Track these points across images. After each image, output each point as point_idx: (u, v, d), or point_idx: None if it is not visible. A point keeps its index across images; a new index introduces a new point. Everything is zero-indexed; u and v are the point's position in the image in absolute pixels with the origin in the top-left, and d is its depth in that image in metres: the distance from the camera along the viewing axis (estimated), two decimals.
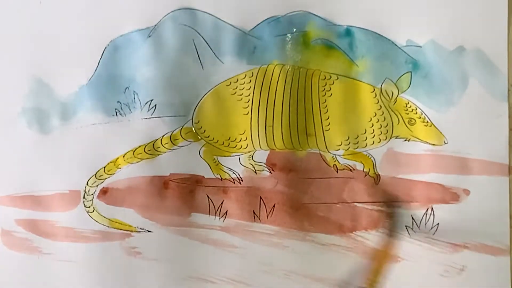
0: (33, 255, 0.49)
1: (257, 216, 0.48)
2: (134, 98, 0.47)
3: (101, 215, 0.48)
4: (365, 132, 0.46)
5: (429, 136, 0.46)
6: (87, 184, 0.48)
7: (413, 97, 0.46)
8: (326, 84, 0.46)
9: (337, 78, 0.46)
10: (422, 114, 0.46)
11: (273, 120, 0.46)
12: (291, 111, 0.46)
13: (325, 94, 0.46)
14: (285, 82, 0.46)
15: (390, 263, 0.47)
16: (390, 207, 0.47)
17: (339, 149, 0.47)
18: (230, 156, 0.48)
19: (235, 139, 0.47)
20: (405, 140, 0.47)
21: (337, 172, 0.47)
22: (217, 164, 0.48)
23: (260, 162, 0.48)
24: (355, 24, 0.46)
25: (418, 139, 0.46)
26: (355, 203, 0.47)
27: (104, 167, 0.48)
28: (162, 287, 0.48)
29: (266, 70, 0.46)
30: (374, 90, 0.46)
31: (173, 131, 0.47)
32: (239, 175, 0.48)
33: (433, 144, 0.46)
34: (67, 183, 0.48)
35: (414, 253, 0.47)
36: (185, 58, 0.47)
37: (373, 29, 0.46)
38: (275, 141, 0.47)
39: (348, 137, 0.46)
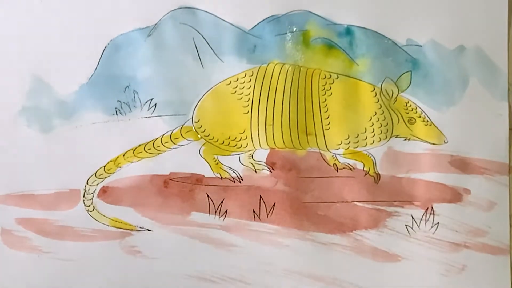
0: (33, 254, 0.49)
1: (257, 215, 0.48)
2: (134, 97, 0.47)
3: (101, 214, 0.48)
4: (365, 131, 0.46)
5: (429, 135, 0.46)
6: (87, 183, 0.48)
7: (413, 96, 0.46)
8: (326, 83, 0.46)
9: (337, 77, 0.46)
10: (422, 113, 0.46)
11: (273, 119, 0.46)
12: (291, 110, 0.46)
13: (325, 93, 0.46)
14: (285, 81, 0.46)
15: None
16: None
17: (339, 148, 0.47)
18: (230, 155, 0.48)
19: (235, 138, 0.47)
20: (405, 139, 0.47)
21: (337, 171, 0.47)
22: (217, 163, 0.48)
23: (260, 161, 0.48)
24: (355, 23, 0.46)
25: (418, 138, 0.46)
26: (355, 202, 0.47)
27: (104, 166, 0.48)
28: (162, 286, 0.48)
29: (266, 69, 0.46)
30: (374, 89, 0.46)
31: (173, 130, 0.47)
32: (239, 174, 0.48)
33: (433, 143, 0.46)
34: (67, 182, 0.48)
35: (414, 252, 0.47)
36: (185, 57, 0.47)
37: (373, 28, 0.46)
38: (275, 140, 0.47)
39: (348, 136, 0.46)
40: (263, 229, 0.48)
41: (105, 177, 0.48)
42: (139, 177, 0.48)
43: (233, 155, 0.48)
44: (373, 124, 0.46)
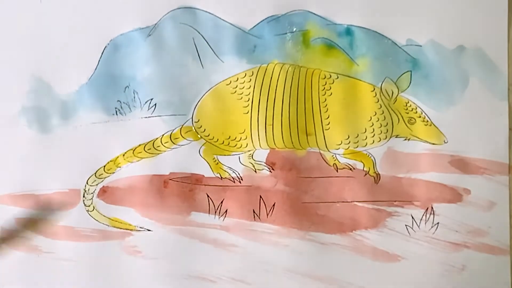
0: (33, 254, 0.49)
1: (257, 215, 0.48)
2: (134, 97, 0.47)
3: (101, 214, 0.48)
4: (365, 131, 0.46)
5: (429, 135, 0.46)
6: (87, 183, 0.48)
7: (413, 96, 0.46)
8: (326, 83, 0.46)
9: (337, 77, 0.46)
10: (422, 113, 0.46)
11: (273, 119, 0.46)
12: (291, 110, 0.46)
13: (325, 93, 0.46)
14: (285, 81, 0.46)
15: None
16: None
17: (339, 148, 0.47)
18: (230, 155, 0.48)
19: (235, 138, 0.47)
20: (405, 139, 0.47)
21: (337, 171, 0.47)
22: (217, 163, 0.48)
23: (260, 161, 0.48)
24: (355, 23, 0.46)
25: (418, 138, 0.46)
26: (355, 202, 0.47)
27: (104, 166, 0.48)
28: (161, 286, 0.48)
29: (266, 69, 0.46)
30: (374, 89, 0.46)
31: (173, 130, 0.47)
32: (239, 174, 0.48)
33: (433, 143, 0.46)
34: (67, 182, 0.48)
35: (414, 252, 0.47)
36: (185, 57, 0.47)
37: (373, 28, 0.46)
38: (275, 140, 0.47)
39: (348, 136, 0.46)
40: (263, 229, 0.48)
41: (105, 177, 0.48)
42: (139, 177, 0.48)
43: (233, 155, 0.48)
44: (373, 124, 0.46)
